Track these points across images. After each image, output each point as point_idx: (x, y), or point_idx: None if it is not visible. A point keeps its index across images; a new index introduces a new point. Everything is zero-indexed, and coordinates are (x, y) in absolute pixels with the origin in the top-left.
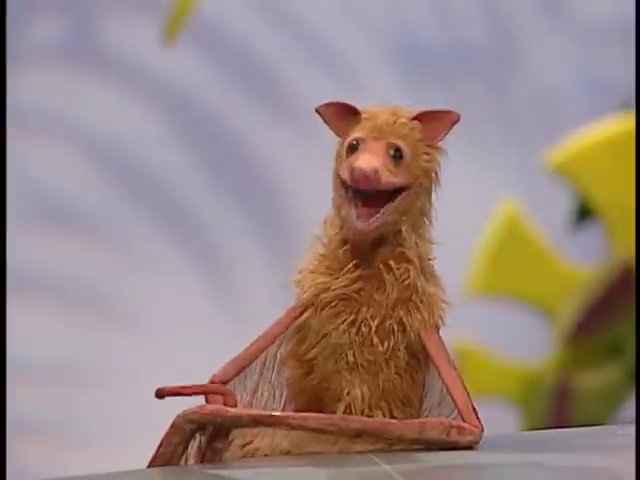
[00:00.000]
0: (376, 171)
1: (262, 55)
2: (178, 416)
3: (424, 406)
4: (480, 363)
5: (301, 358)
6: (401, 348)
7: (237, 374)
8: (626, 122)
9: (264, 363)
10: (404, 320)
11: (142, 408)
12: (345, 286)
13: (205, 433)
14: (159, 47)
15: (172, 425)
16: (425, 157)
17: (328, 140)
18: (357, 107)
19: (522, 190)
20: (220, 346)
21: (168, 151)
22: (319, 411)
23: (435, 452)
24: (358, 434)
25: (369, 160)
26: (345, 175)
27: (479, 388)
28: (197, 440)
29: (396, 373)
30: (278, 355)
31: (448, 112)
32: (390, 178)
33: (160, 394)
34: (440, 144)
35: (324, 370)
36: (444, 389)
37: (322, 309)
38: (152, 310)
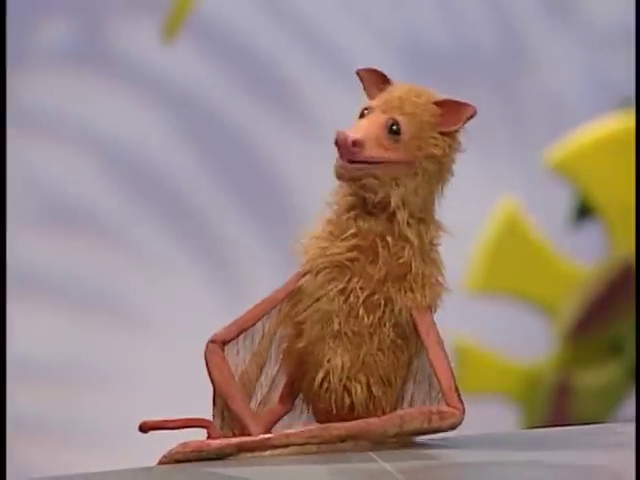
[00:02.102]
0: (356, 142)
1: (265, 52)
2: (164, 457)
3: (411, 389)
4: (480, 361)
5: (294, 320)
6: (387, 324)
7: (238, 335)
8: (626, 120)
9: (264, 325)
10: (393, 297)
11: (146, 408)
12: (340, 253)
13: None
14: (162, 46)
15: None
16: (431, 140)
17: (331, 136)
18: (388, 77)
19: (522, 188)
20: None
21: (172, 150)
22: (302, 375)
23: (435, 449)
24: (341, 440)
25: (357, 129)
26: None
27: (479, 386)
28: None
29: (379, 349)
30: (276, 316)
31: (467, 104)
32: (376, 152)
33: (143, 428)
34: (456, 135)
35: (311, 334)
36: (431, 371)
37: (317, 273)
38: (156, 310)
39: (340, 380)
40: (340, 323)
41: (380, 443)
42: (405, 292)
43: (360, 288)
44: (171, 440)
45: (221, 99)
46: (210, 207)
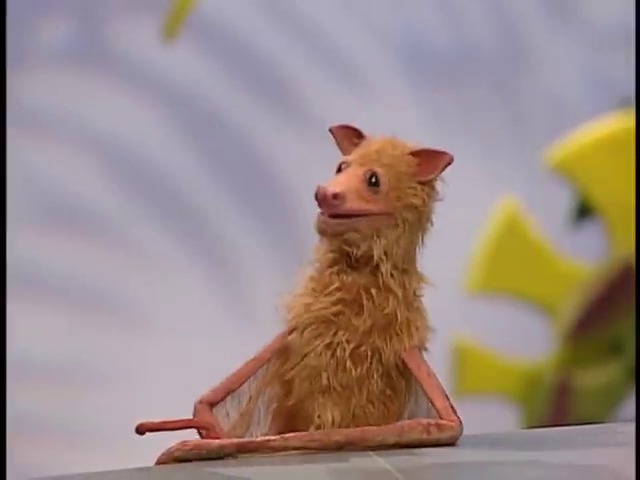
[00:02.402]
0: (336, 195)
1: (265, 52)
2: (163, 455)
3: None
4: (480, 361)
5: (282, 378)
6: (375, 375)
7: (225, 397)
8: (626, 120)
9: (251, 385)
10: (380, 347)
11: (146, 408)
12: (325, 308)
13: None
14: (162, 46)
15: (157, 464)
16: (410, 191)
17: (333, 140)
18: (363, 133)
19: (522, 188)
20: (226, 345)
21: (172, 149)
22: (293, 432)
23: (435, 449)
24: (339, 446)
25: (336, 183)
26: None
27: (479, 386)
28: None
29: (368, 401)
30: (263, 376)
31: (443, 153)
32: (357, 204)
33: (140, 430)
34: (434, 184)
35: (300, 391)
36: (428, 405)
37: (304, 330)
38: (157, 309)
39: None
40: (328, 378)
41: (376, 450)
42: (391, 338)
43: (346, 341)
44: (172, 440)
45: (221, 99)
46: (210, 207)
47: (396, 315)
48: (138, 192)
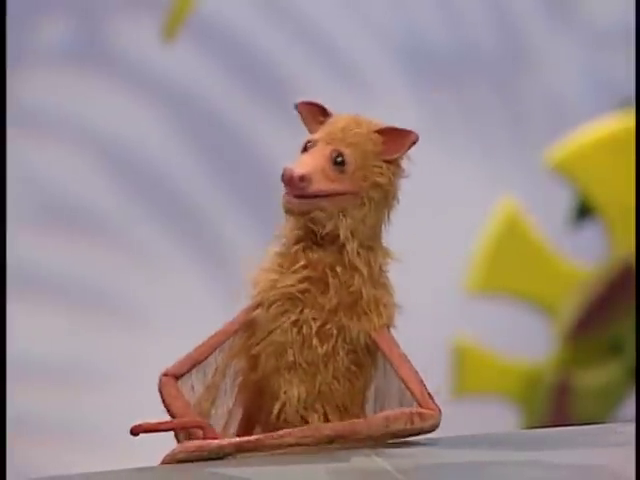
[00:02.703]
0: (303, 177)
1: (264, 52)
2: (167, 456)
3: (372, 411)
4: (480, 361)
5: (248, 352)
6: (341, 353)
7: (191, 369)
8: (626, 120)
9: (217, 358)
10: (346, 325)
11: (147, 408)
12: (291, 285)
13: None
14: (162, 46)
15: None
16: (376, 170)
17: None
18: (328, 110)
19: (522, 188)
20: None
21: (172, 149)
22: (258, 408)
23: (435, 449)
24: (331, 440)
25: (302, 164)
26: None
27: (479, 386)
28: None
29: (334, 377)
30: (230, 349)
31: (408, 131)
32: (324, 185)
33: (135, 432)
34: (400, 162)
35: (266, 367)
36: (401, 386)
37: (269, 306)
38: (157, 309)
39: (297, 411)
40: (294, 354)
41: (364, 443)
42: (359, 317)
43: (313, 319)
44: (173, 440)
45: (220, 98)
46: (210, 207)
47: (361, 293)
48: (138, 192)
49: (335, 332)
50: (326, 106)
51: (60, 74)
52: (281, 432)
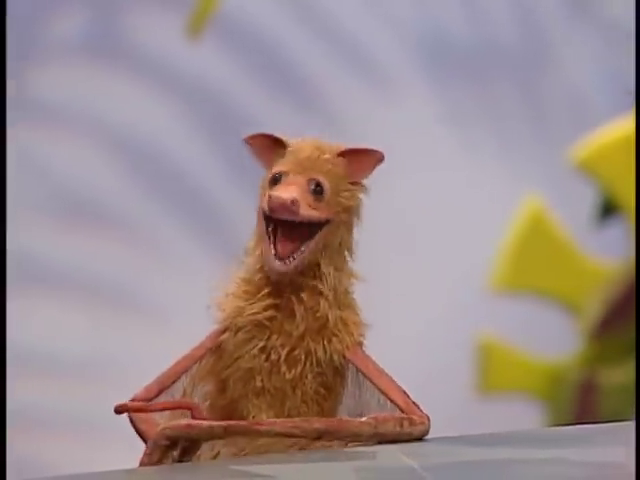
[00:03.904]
0: (294, 201)
1: (286, 49)
2: (155, 433)
3: None
4: (505, 359)
5: (217, 377)
6: (309, 376)
7: (159, 393)
8: None
9: (184, 382)
10: (313, 349)
11: None
12: (257, 313)
13: (177, 448)
14: (183, 41)
15: (150, 445)
16: (346, 194)
17: (352, 136)
18: (283, 140)
19: (547, 186)
20: None
21: (191, 145)
22: None
23: (459, 447)
24: (319, 434)
25: (287, 190)
26: (265, 205)
27: (504, 384)
28: (170, 457)
29: (302, 401)
30: (197, 373)
31: (373, 151)
32: (309, 212)
33: (119, 411)
34: (364, 182)
35: (234, 392)
36: (380, 399)
37: (236, 332)
38: (176, 305)
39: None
40: (262, 380)
41: (352, 442)
42: (330, 340)
43: (280, 345)
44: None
45: (242, 95)
46: (229, 203)
47: (327, 317)
48: (156, 187)
49: (303, 357)
50: (278, 135)
51: (77, 68)
52: (271, 420)
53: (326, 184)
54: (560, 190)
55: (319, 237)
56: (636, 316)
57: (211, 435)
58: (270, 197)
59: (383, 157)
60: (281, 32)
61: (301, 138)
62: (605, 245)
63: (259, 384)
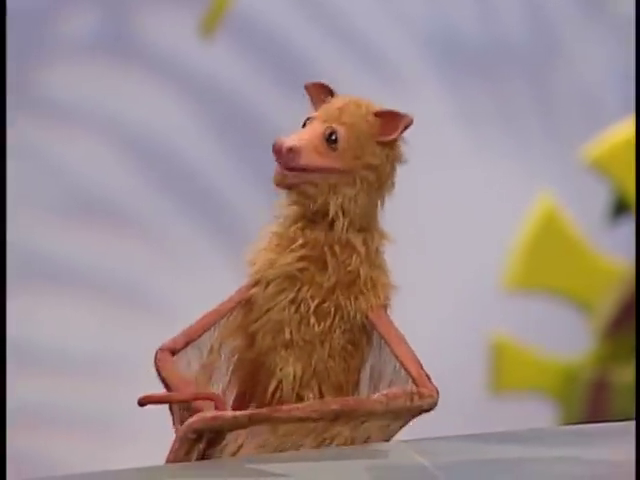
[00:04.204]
0: (292, 149)
1: (299, 48)
2: (183, 427)
3: (367, 391)
4: (518, 358)
5: (245, 331)
6: (337, 331)
7: (186, 345)
8: None
9: (212, 336)
10: (343, 303)
11: None
12: (289, 264)
13: (203, 441)
14: (195, 40)
15: (178, 439)
16: (369, 150)
17: None
18: (331, 90)
19: (560, 184)
20: None
21: (203, 144)
22: (254, 385)
23: (472, 445)
24: (336, 415)
25: (294, 138)
26: None
27: (517, 382)
28: (196, 450)
29: (330, 356)
30: (225, 327)
31: (404, 114)
32: (313, 159)
33: (143, 402)
34: (395, 145)
35: (262, 344)
36: (396, 366)
37: (267, 285)
38: (186, 303)
39: (292, 388)
40: (291, 332)
41: (366, 422)
42: (357, 297)
43: (310, 297)
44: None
45: (255, 94)
46: (241, 202)
47: (359, 273)
48: (167, 185)
49: (332, 310)
50: (332, 87)
51: (88, 66)
52: (290, 406)
53: (343, 134)
54: (573, 188)
55: (328, 176)
56: (636, 316)
57: (235, 425)
58: (274, 142)
59: (411, 121)
60: (293, 31)
61: (349, 94)
62: (618, 244)
63: (288, 336)
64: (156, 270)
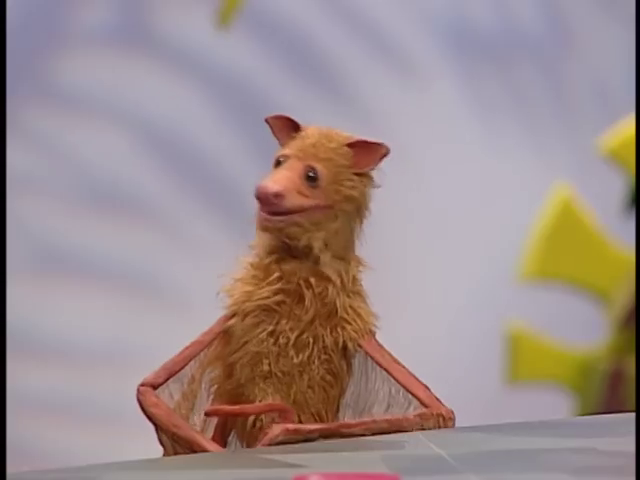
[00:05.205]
0: (277, 195)
1: (314, 38)
2: (266, 438)
3: (356, 416)
4: (534, 348)
5: (224, 361)
6: (316, 362)
7: (167, 379)
8: None
9: (192, 368)
10: (321, 335)
11: None
12: (266, 297)
13: None
14: (212, 31)
15: (262, 445)
16: (348, 183)
17: (384, 128)
18: (299, 124)
19: (576, 175)
20: None
21: (220, 135)
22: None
23: (488, 435)
24: (385, 432)
25: (276, 181)
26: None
27: (533, 373)
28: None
29: (309, 386)
30: (206, 357)
31: (379, 144)
32: (298, 200)
33: (211, 414)
34: (371, 174)
35: (241, 376)
36: (392, 390)
37: (245, 317)
38: (197, 291)
39: (272, 419)
40: (270, 364)
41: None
42: (340, 327)
43: (289, 329)
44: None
45: (271, 85)
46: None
47: (335, 304)
48: (182, 175)
49: (311, 342)
50: (296, 120)
51: (104, 57)
52: (352, 422)
53: (323, 172)
54: (589, 178)
55: (312, 214)
56: (636, 316)
57: (311, 437)
58: (257, 187)
59: (388, 151)
60: (309, 21)
61: (316, 126)
62: (634, 234)
63: (266, 368)
64: (168, 259)
